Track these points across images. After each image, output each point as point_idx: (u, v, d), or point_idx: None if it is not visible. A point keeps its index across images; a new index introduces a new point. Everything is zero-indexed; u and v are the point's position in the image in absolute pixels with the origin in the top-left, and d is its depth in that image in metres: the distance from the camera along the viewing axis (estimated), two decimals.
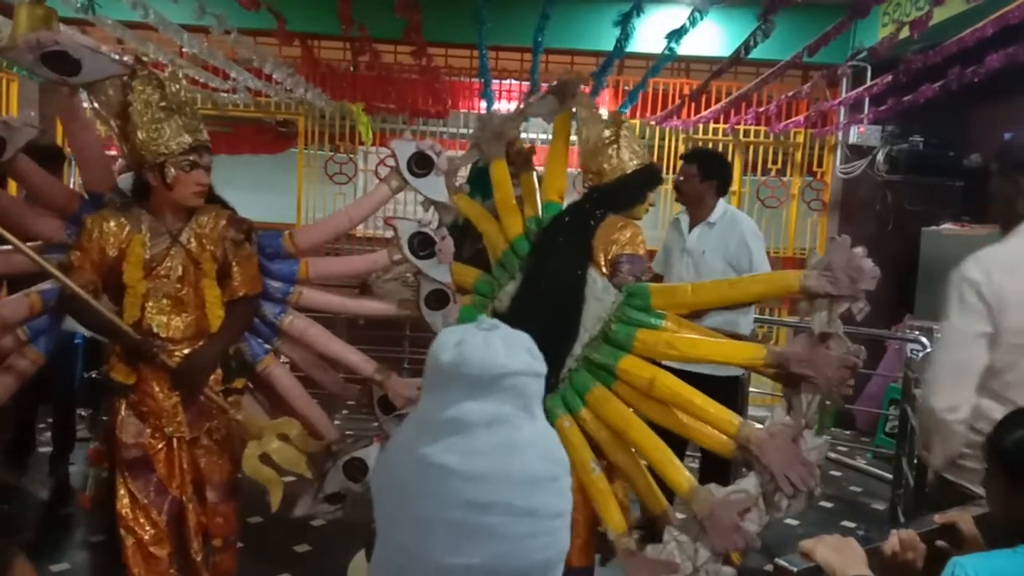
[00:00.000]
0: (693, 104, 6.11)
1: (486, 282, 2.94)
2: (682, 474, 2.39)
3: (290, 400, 2.76)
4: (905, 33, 3.88)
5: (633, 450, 2.55)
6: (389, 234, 2.80)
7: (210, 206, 2.49)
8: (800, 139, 6.66)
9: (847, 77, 5.73)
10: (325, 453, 2.80)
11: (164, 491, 2.45)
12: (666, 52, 3.53)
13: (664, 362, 2.60)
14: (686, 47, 3.62)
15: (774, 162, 6.72)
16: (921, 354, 4.14)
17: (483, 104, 3.94)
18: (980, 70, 4.05)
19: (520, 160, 3.19)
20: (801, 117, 6.07)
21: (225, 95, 6.21)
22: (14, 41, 2.37)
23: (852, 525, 4.25)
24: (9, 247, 2.25)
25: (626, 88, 6.43)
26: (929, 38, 4.23)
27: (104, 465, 3.39)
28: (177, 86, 2.37)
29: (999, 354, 2.00)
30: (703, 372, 2.87)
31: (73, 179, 5.26)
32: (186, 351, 2.42)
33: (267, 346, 2.76)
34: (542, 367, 0.79)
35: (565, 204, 2.87)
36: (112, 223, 2.35)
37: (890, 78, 4.69)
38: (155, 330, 2.39)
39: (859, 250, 2.24)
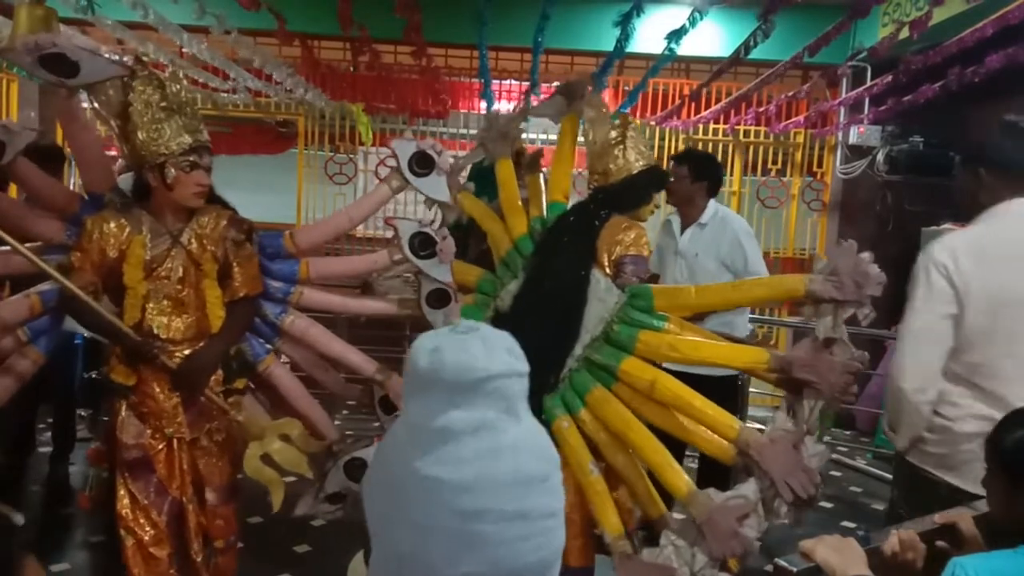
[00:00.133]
0: (693, 104, 6.11)
1: (489, 281, 2.94)
2: (681, 478, 2.37)
3: (291, 400, 2.76)
4: (905, 33, 3.88)
5: (632, 452, 2.54)
6: (389, 234, 2.79)
7: (211, 207, 2.48)
8: (800, 139, 6.67)
9: (847, 77, 5.73)
10: (326, 453, 2.79)
11: (164, 492, 2.45)
12: (666, 52, 3.53)
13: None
14: (686, 47, 3.61)
15: (774, 162, 6.72)
16: None
17: (483, 104, 3.93)
18: (980, 70, 4.05)
19: (527, 163, 3.19)
20: (801, 117, 6.07)
21: (225, 95, 6.21)
22: (13, 42, 2.37)
23: (852, 525, 4.23)
24: (7, 248, 2.25)
25: (626, 88, 6.44)
26: (929, 38, 4.24)
27: (104, 465, 3.40)
28: (177, 86, 2.36)
29: (961, 337, 2.06)
30: (700, 372, 2.87)
31: (73, 180, 5.26)
32: (187, 352, 2.41)
33: (268, 346, 2.76)
34: (524, 366, 0.78)
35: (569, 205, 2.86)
36: (112, 224, 2.34)
37: (890, 78, 4.69)
38: (156, 331, 2.38)
39: (865, 255, 2.21)
